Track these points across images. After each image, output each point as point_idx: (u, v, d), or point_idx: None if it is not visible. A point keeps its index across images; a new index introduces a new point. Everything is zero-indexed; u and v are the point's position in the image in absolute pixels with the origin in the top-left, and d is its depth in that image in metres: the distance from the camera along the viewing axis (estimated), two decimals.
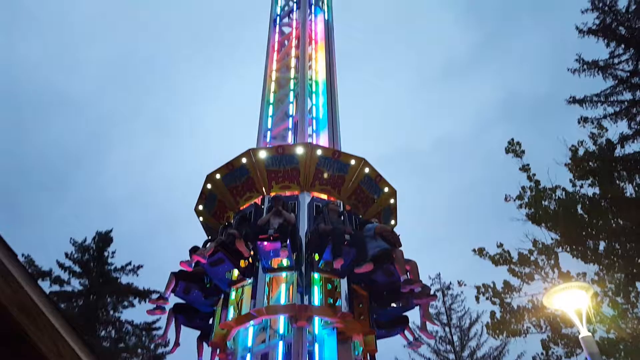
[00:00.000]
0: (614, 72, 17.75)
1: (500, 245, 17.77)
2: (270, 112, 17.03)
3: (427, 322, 11.90)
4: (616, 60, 17.71)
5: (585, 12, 18.33)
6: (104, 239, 29.46)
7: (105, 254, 29.06)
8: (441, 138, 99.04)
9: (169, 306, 12.37)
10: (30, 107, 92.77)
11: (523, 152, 18.66)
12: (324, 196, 13.94)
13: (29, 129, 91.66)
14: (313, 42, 21.33)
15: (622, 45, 17.57)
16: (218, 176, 14.72)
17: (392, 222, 14.51)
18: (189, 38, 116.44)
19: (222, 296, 12.45)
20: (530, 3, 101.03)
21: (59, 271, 27.72)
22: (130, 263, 29.12)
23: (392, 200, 15.17)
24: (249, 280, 12.03)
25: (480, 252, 17.96)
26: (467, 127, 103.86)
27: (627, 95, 17.46)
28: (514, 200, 18.08)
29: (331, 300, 11.55)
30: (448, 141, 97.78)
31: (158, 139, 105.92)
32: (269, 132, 16.59)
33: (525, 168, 18.32)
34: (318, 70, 18.77)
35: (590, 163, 17.39)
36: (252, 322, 11.61)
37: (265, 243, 11.64)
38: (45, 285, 26.56)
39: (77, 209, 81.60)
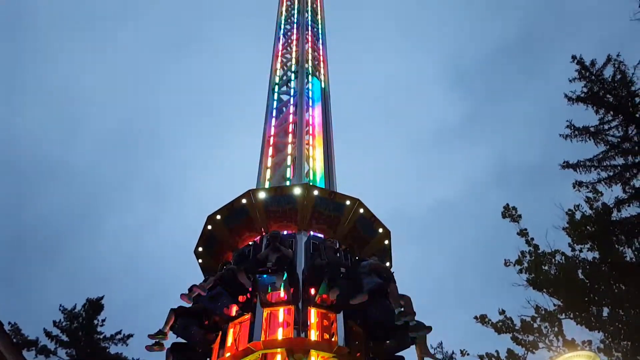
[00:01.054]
0: (605, 138, 18.10)
1: (503, 312, 17.41)
2: (268, 176, 17.40)
3: (426, 358, 11.59)
4: (606, 126, 18.12)
5: (573, 80, 18.97)
6: (94, 306, 28.65)
7: (95, 322, 28.20)
8: (437, 202, 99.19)
9: (168, 342, 12.13)
10: (27, 176, 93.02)
11: (520, 216, 18.70)
12: (321, 235, 14.32)
13: (26, 198, 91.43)
14: (310, 108, 22.04)
15: (611, 112, 18.05)
16: (219, 217, 15.13)
17: (387, 263, 14.69)
18: (187, 105, 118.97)
19: (220, 333, 12.53)
20: (518, 73, 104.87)
21: (45, 340, 26.75)
22: (120, 332, 28.24)
23: (386, 242, 15.48)
24: (247, 317, 12.18)
25: (483, 319, 17.57)
26: (461, 191, 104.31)
27: (620, 160, 17.72)
28: (514, 265, 17.92)
29: (327, 336, 11.67)
30: (444, 206, 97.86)
31: (153, 206, 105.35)
32: None
33: (523, 232, 18.29)
34: (315, 135, 19.24)
35: (588, 227, 17.39)
36: (249, 357, 11.60)
37: (265, 276, 11.92)
38: (30, 356, 25.56)
39: (71, 277, 79.97)
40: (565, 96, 18.99)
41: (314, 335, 11.66)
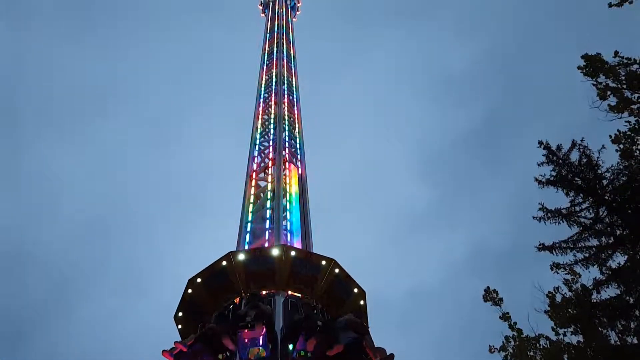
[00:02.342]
0: (578, 220, 18.42)
1: None
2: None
3: None
4: (578, 208, 18.51)
5: (542, 164, 19.60)
6: None
7: None
8: (415, 288, 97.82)
9: None
10: None
11: (501, 299, 18.51)
12: (299, 295, 14.89)
13: None
14: (288, 194, 22.57)
15: (581, 195, 18.52)
16: (199, 280, 15.55)
17: (364, 323, 14.60)
18: (160, 191, 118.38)
19: None
20: (485, 159, 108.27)
21: None
22: None
23: (362, 302, 16.10)
24: None
25: None
26: (439, 277, 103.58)
27: (594, 241, 17.93)
28: (499, 352, 17.45)
29: None
30: (422, 291, 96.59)
31: (127, 293, 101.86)
32: None
33: (505, 316, 18.02)
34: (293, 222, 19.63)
35: (569, 309, 17.25)
36: None
37: (246, 330, 12.42)
38: None
39: None
40: (536, 179, 19.50)
41: None
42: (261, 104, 31.07)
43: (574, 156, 19.05)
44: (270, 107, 30.10)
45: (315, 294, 15.23)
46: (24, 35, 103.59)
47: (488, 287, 18.89)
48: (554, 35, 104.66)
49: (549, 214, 18.90)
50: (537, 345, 17.08)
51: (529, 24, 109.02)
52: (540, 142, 19.49)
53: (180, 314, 15.46)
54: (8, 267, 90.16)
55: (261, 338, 12.34)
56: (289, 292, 15.06)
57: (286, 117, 29.06)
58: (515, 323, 17.85)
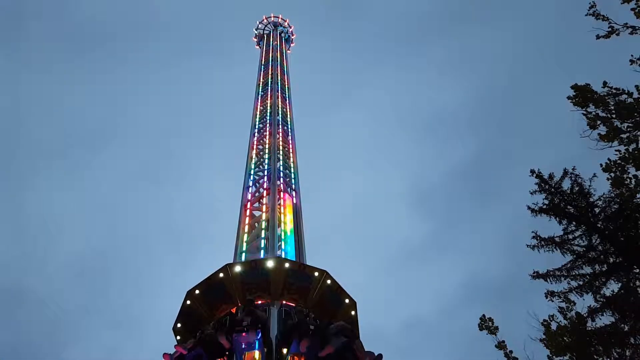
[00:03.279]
0: (571, 247, 18.55)
1: None
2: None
3: None
4: (571, 236, 18.66)
5: (534, 193, 19.83)
6: None
7: None
8: (410, 319, 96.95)
9: None
10: None
11: (497, 328, 18.42)
12: (293, 304, 15.73)
13: None
14: (282, 223, 22.71)
15: (574, 222, 18.71)
16: (197, 292, 16.35)
17: (354, 330, 16.00)
18: (155, 231, 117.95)
19: None
20: (478, 193, 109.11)
21: None
22: None
23: (352, 312, 16.89)
24: None
25: None
26: (433, 308, 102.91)
27: (588, 269, 18.03)
28: None
29: None
30: (417, 322, 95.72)
31: (117, 335, 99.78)
32: None
33: (501, 345, 17.89)
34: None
35: (565, 338, 17.18)
36: None
37: (243, 334, 13.25)
38: None
39: None
40: (528, 208, 19.68)
41: None
42: (256, 134, 31.36)
43: (566, 185, 19.36)
44: (265, 137, 30.39)
45: (308, 304, 15.96)
46: (23, 75, 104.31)
47: (483, 315, 18.82)
48: (543, 69, 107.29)
49: (542, 242, 19.03)
50: None
51: (517, 60, 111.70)
52: (532, 171, 19.77)
53: (179, 325, 16.29)
54: (6, 304, 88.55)
55: (257, 342, 13.10)
56: (283, 302, 15.78)
57: (281, 147, 29.31)
58: (511, 352, 17.73)
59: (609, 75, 17.02)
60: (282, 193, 25.00)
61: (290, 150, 30.62)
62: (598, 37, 16.69)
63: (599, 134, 16.94)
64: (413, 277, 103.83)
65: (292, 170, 28.21)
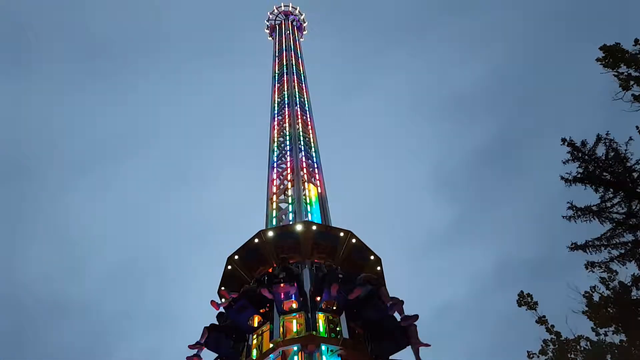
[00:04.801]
0: (610, 216, 17.86)
1: None
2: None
3: (420, 347, 14.10)
4: (609, 204, 17.95)
5: (567, 162, 19.07)
6: None
7: None
8: (442, 306, 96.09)
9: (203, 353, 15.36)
10: (31, 313, 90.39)
11: (536, 303, 17.93)
12: (322, 262, 17.50)
13: (29, 336, 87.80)
14: (309, 214, 22.82)
15: (611, 190, 17.96)
16: (237, 257, 18.52)
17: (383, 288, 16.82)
18: (188, 235, 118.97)
19: (246, 345, 15.50)
20: (502, 171, 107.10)
21: None
22: None
23: (378, 268, 18.36)
24: (267, 327, 15.19)
25: None
26: (467, 292, 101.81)
27: (629, 237, 17.33)
28: (538, 356, 16.82)
29: (334, 335, 14.61)
30: (450, 308, 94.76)
31: (158, 335, 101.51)
32: None
33: (542, 320, 17.44)
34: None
35: (608, 309, 16.61)
36: (271, 355, 14.14)
37: (281, 285, 15.01)
38: None
39: None
40: (562, 178, 18.95)
41: (323, 332, 14.49)
42: (275, 126, 31.00)
43: (600, 151, 18.56)
44: (285, 129, 30.01)
45: (336, 262, 17.49)
46: (43, 84, 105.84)
47: (522, 292, 18.37)
48: (561, 38, 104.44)
49: (579, 212, 18.34)
50: (578, 347, 16.48)
51: (534, 33, 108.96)
52: (564, 140, 18.96)
53: (222, 288, 18.08)
54: (49, 315, 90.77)
55: (293, 294, 14.97)
56: (314, 261, 17.65)
57: (301, 137, 28.97)
58: (552, 326, 17.25)
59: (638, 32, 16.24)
60: (306, 184, 24.71)
61: (311, 139, 30.27)
62: None
63: (632, 94, 16.23)
64: (443, 263, 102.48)
65: (315, 160, 27.88)
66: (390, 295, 15.84)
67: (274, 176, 26.15)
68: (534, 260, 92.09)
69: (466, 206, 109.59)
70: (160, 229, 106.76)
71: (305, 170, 25.65)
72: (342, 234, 18.09)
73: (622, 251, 17.42)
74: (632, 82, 16.03)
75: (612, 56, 16.42)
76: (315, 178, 26.23)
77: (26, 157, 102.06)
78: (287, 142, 28.83)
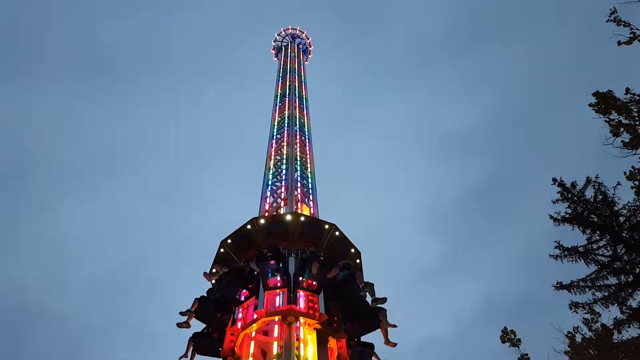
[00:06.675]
0: (595, 257, 18.13)
1: None
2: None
3: (388, 329, 16.41)
4: (595, 246, 18.23)
5: (557, 202, 19.45)
6: None
7: None
8: (426, 341, 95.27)
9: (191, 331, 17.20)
10: (10, 324, 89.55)
11: (519, 340, 17.97)
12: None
13: (3, 346, 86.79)
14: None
15: (598, 232, 18.27)
16: (229, 241, 20.32)
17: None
18: (173, 250, 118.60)
19: (232, 316, 17.21)
20: (492, 213, 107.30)
21: None
22: None
23: (357, 260, 20.35)
24: (252, 300, 17.07)
25: None
26: (450, 329, 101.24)
27: (613, 280, 17.58)
28: None
29: (312, 310, 16.17)
30: (433, 344, 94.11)
31: (138, 350, 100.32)
32: None
33: (524, 358, 17.44)
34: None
35: (590, 350, 16.71)
36: (254, 325, 16.16)
37: (270, 262, 17.04)
38: None
39: None
40: (551, 217, 19.33)
41: (302, 307, 16.15)
42: (274, 144, 31.33)
43: (589, 194, 18.95)
44: (283, 148, 30.35)
45: (320, 251, 19.53)
46: (48, 92, 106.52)
47: (505, 328, 18.36)
48: (558, 84, 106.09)
49: (566, 252, 18.64)
50: None
51: (532, 78, 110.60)
52: (555, 180, 19.38)
53: (214, 270, 19.10)
54: (28, 324, 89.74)
55: (279, 274, 16.85)
56: (300, 247, 19.55)
57: (298, 158, 29.27)
58: None
59: (632, 82, 16.68)
60: (299, 203, 24.95)
61: (308, 160, 30.56)
62: (620, 43, 16.38)
63: (622, 141, 16.58)
64: (428, 298, 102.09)
65: (310, 180, 28.16)
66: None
67: (268, 194, 26.40)
68: (517, 299, 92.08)
69: (455, 242, 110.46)
70: (147, 245, 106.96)
71: (299, 190, 25.90)
72: (327, 226, 19.95)
73: (606, 294, 17.64)
74: (622, 129, 16.38)
75: (604, 102, 16.81)
76: (308, 199, 26.49)
77: (22, 165, 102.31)
78: (284, 162, 29.11)
